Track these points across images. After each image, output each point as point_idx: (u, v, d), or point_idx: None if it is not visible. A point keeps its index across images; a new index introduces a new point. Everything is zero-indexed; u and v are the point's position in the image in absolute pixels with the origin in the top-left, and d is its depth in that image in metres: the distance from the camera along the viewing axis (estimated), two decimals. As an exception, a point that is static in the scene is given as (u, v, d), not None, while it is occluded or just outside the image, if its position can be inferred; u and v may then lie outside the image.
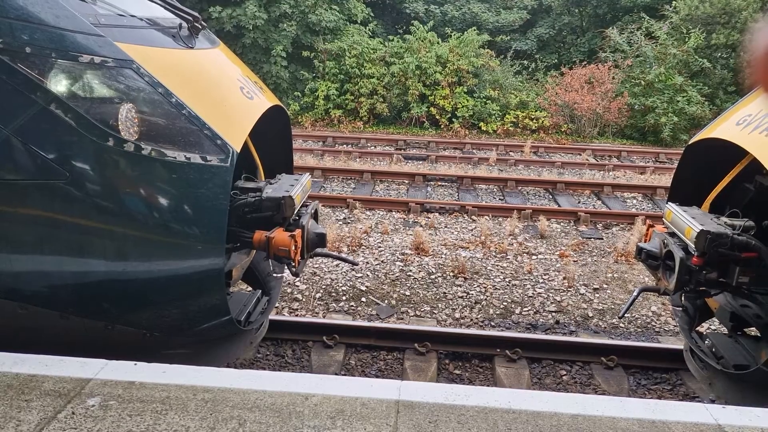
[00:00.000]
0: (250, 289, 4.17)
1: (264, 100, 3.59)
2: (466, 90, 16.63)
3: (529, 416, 2.34)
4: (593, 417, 2.33)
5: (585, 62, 17.83)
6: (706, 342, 3.98)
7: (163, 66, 2.79)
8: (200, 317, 2.95)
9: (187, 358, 2.87)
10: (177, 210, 2.65)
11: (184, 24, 3.28)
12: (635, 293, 3.84)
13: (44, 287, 2.73)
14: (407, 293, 5.90)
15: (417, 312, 5.59)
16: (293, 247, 3.08)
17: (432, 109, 16.44)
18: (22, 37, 2.47)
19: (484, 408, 2.37)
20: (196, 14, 3.44)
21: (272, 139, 3.88)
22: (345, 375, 4.52)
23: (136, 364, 2.64)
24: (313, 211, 3.56)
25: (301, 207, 3.41)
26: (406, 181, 10.55)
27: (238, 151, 2.81)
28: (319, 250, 3.54)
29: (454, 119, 16.29)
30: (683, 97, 15.66)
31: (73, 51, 2.53)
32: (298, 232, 3.16)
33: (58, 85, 2.51)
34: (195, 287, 2.81)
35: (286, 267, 3.41)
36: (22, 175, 2.52)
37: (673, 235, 3.65)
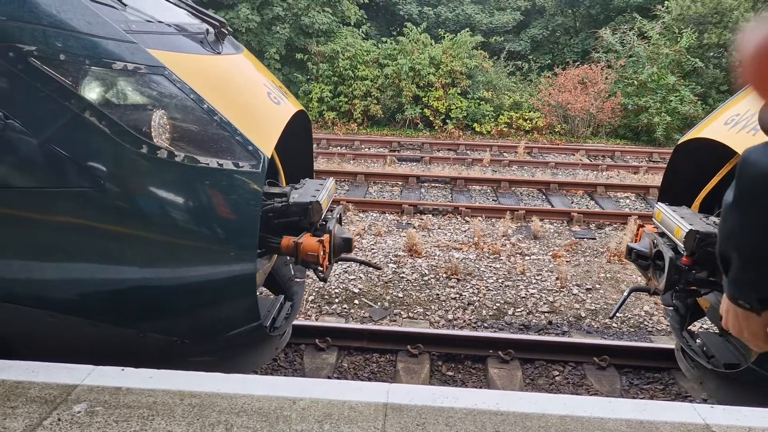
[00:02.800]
0: (270, 294, 4.16)
1: (290, 105, 3.60)
2: (459, 91, 16.66)
3: (518, 418, 2.33)
4: (581, 418, 2.33)
5: (578, 63, 17.88)
6: (697, 341, 3.99)
7: (193, 72, 2.79)
8: (231, 323, 2.94)
9: (214, 366, 2.87)
10: (210, 216, 2.64)
11: (211, 30, 3.28)
12: (626, 293, 3.85)
13: (75, 295, 2.71)
14: (400, 295, 5.89)
15: (410, 314, 5.59)
16: (322, 252, 3.07)
17: (426, 110, 16.46)
18: (56, 44, 2.46)
19: (473, 410, 2.37)
20: (222, 20, 3.44)
21: (292, 143, 3.87)
22: (337, 378, 4.52)
23: (123, 370, 2.63)
24: (338, 215, 3.56)
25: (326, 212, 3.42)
26: (400, 183, 10.55)
27: (269, 157, 2.81)
28: (344, 254, 3.53)
29: (447, 120, 16.31)
30: (676, 96, 15.72)
31: (107, 58, 2.51)
32: (326, 237, 3.15)
33: (92, 92, 2.50)
34: (227, 293, 2.80)
35: (311, 272, 3.39)
36: (55, 183, 2.51)
37: (662, 234, 3.66)
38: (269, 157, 2.81)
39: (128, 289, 2.68)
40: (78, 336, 2.83)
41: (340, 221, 3.63)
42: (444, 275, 6.31)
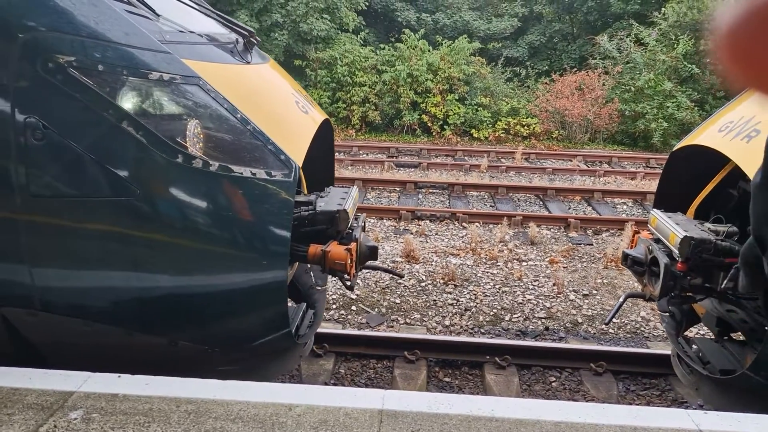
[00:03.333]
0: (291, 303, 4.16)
1: (317, 114, 3.63)
2: (457, 97, 16.72)
3: (512, 424, 2.34)
4: (576, 424, 2.34)
5: (576, 69, 17.95)
6: (693, 347, 4.00)
7: (225, 82, 2.80)
8: (262, 330, 2.95)
9: (241, 375, 2.88)
10: (244, 225, 2.66)
11: (240, 39, 3.30)
12: (621, 299, 3.86)
13: (110, 304, 2.73)
14: (397, 301, 5.90)
15: (407, 320, 5.60)
16: (349, 261, 3.08)
17: (424, 116, 16.51)
18: (94, 54, 2.47)
19: (468, 416, 2.38)
20: (251, 29, 3.46)
21: (314, 150, 3.90)
22: (334, 384, 4.52)
23: (119, 376, 2.64)
24: (362, 223, 3.58)
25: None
26: (398, 189, 10.57)
27: (300, 166, 2.83)
28: (368, 262, 3.54)
29: (445, 126, 16.36)
30: (673, 102, 15.79)
31: (143, 68, 2.53)
32: (353, 245, 3.16)
33: (129, 102, 2.51)
34: (259, 300, 2.82)
35: (337, 280, 3.40)
36: (92, 192, 2.53)
37: (658, 241, 3.67)
38: (300, 166, 2.83)
39: (162, 298, 2.69)
40: (111, 344, 2.84)
41: (363, 229, 3.64)
42: (441, 281, 6.32)
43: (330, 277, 3.81)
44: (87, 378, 2.59)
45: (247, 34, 3.37)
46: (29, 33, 2.42)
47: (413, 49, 17.16)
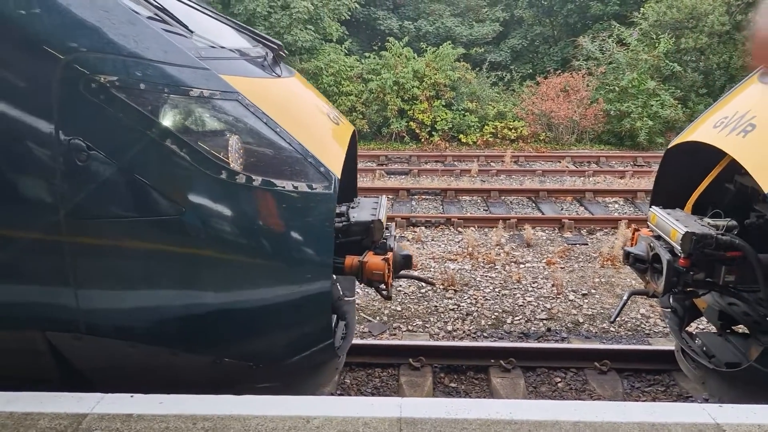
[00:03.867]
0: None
1: (347, 125, 3.63)
2: (444, 103, 16.81)
3: (531, 426, 2.35)
4: (594, 423, 2.35)
5: (559, 71, 18.12)
6: (697, 341, 4.03)
7: (261, 96, 2.79)
8: (306, 344, 2.93)
9: (281, 390, 2.85)
10: (288, 239, 2.65)
11: (269, 53, 3.29)
12: (625, 297, 3.87)
13: (155, 324, 2.69)
14: (398, 308, 5.90)
15: (409, 327, 5.59)
16: (387, 271, 3.06)
17: (411, 123, 16.57)
18: (135, 73, 2.46)
19: (486, 420, 2.38)
20: (279, 43, 3.46)
21: None
22: (341, 395, 4.50)
23: (132, 396, 2.61)
24: (394, 233, 3.57)
25: None
26: (391, 196, 10.58)
27: (339, 177, 2.82)
28: (402, 271, 3.52)
29: (433, 132, 16.43)
30: (657, 101, 15.98)
31: (184, 85, 2.52)
32: (390, 255, 3.15)
33: (172, 120, 2.50)
34: (304, 313, 2.80)
35: (375, 290, 3.38)
36: (138, 212, 2.51)
37: (658, 238, 3.70)
38: (339, 177, 2.82)
39: (206, 315, 2.67)
40: (155, 365, 2.81)
41: (394, 238, 3.63)
42: (441, 287, 6.33)
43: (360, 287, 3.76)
44: (100, 399, 2.56)
45: (276, 47, 3.37)
46: (71, 54, 2.40)
47: (398, 56, 17.25)
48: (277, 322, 2.78)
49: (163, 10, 2.73)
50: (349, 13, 19.99)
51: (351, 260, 3.07)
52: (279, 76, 3.21)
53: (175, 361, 2.75)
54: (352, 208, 3.40)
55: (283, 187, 2.59)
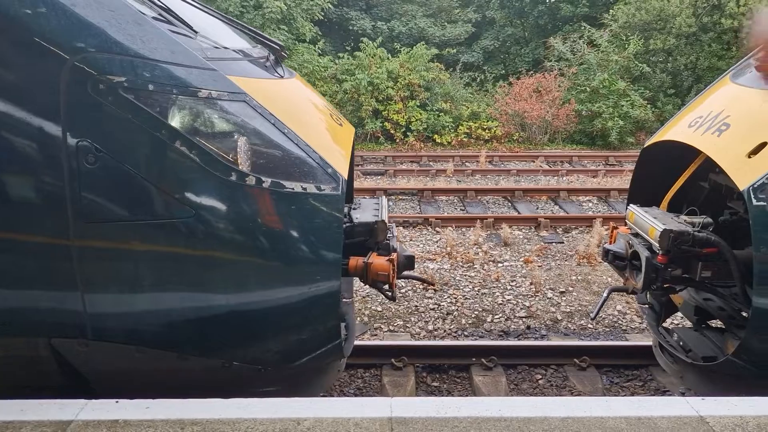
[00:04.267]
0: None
1: (349, 126, 3.62)
2: (418, 104, 16.87)
3: (521, 423, 2.37)
4: (582, 418, 2.38)
5: (531, 72, 18.34)
6: (674, 336, 4.11)
7: (267, 97, 2.76)
8: (315, 344, 2.91)
9: (286, 393, 2.83)
10: (298, 240, 2.63)
11: (271, 54, 3.26)
12: (605, 294, 3.94)
13: (164, 327, 2.65)
14: (379, 309, 5.90)
15: (390, 327, 5.60)
16: (391, 271, 3.05)
17: (386, 123, 16.60)
18: (144, 74, 2.42)
19: (477, 418, 2.40)
20: (280, 43, 3.42)
21: None
22: (325, 396, 4.48)
23: (117, 402, 2.57)
24: (395, 233, 3.55)
25: None
26: (367, 197, 10.54)
27: (346, 178, 2.80)
28: (405, 272, 3.51)
29: (408, 133, 16.48)
30: (627, 101, 16.27)
31: (192, 86, 2.48)
32: (394, 255, 3.13)
33: (181, 121, 2.46)
34: (314, 313, 2.79)
35: (379, 291, 3.36)
36: (148, 215, 2.46)
37: (637, 235, 3.77)
38: (346, 178, 2.81)
39: (217, 318, 2.64)
40: (163, 370, 2.76)
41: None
42: (421, 286, 6.35)
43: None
44: (84, 406, 2.52)
45: (277, 48, 3.34)
46: (78, 54, 2.36)
47: (372, 57, 17.26)
48: (287, 323, 2.76)
49: (168, 10, 2.70)
50: (323, 14, 19.96)
51: (355, 261, 3.06)
52: (282, 77, 3.19)
53: (184, 366, 2.72)
54: (354, 209, 3.39)
55: (293, 188, 2.58)
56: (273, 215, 2.58)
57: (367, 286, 6.15)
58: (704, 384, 3.74)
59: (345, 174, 2.81)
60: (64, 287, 2.52)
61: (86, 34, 2.38)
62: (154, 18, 2.57)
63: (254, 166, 2.53)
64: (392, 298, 3.29)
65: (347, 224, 3.15)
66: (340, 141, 3.16)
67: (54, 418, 2.44)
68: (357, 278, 3.18)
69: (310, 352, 2.88)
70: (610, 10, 18.92)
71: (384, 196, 3.74)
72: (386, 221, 3.20)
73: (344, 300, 3.98)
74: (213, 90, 2.52)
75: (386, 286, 3.12)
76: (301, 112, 3.08)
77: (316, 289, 2.68)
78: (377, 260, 3.05)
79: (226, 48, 2.90)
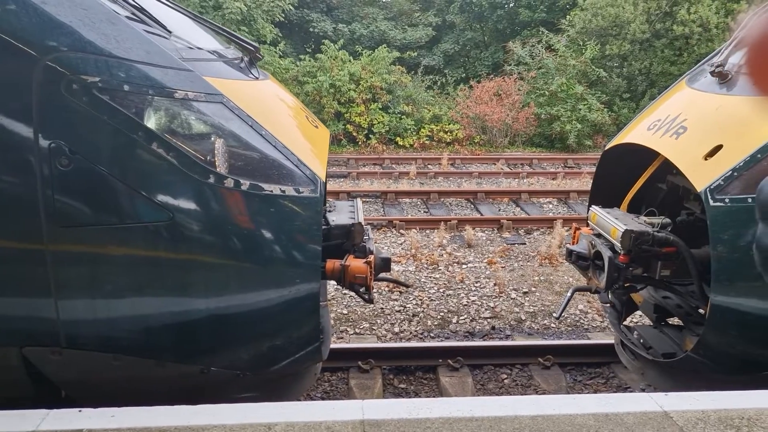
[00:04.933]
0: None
1: (324, 128, 3.60)
2: (380, 106, 16.91)
3: (492, 422, 2.40)
4: (551, 416, 2.42)
5: (491, 75, 18.60)
6: (635, 334, 4.22)
7: (244, 99, 2.72)
8: (294, 347, 2.87)
9: (264, 398, 2.80)
10: (277, 242, 2.60)
11: (245, 55, 3.21)
12: (569, 294, 4.01)
13: (141, 334, 2.57)
14: (344, 311, 5.89)
15: (356, 329, 5.59)
16: (369, 274, 3.03)
17: (348, 126, 16.58)
18: (119, 74, 2.34)
19: (448, 419, 2.41)
20: (256, 45, 3.36)
21: None
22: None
23: (81, 410, 2.49)
24: (372, 235, 3.52)
25: None
26: (330, 200, 10.52)
27: (324, 180, 2.78)
28: (381, 274, 3.49)
29: (371, 135, 16.50)
30: (584, 105, 16.64)
31: (169, 87, 2.42)
32: (371, 257, 3.11)
33: (158, 122, 2.39)
34: (294, 316, 2.76)
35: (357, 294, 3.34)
36: (124, 218, 2.39)
37: (599, 236, 3.85)
38: (324, 181, 2.79)
39: (195, 323, 2.58)
40: (140, 377, 2.69)
41: None
42: (386, 289, 6.36)
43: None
44: (46, 415, 2.43)
45: (252, 49, 3.30)
46: (50, 54, 2.28)
47: (334, 59, 17.22)
48: (265, 327, 2.73)
49: (141, 9, 2.64)
50: (283, 15, 19.84)
51: (332, 264, 3.04)
52: (257, 78, 3.16)
53: (162, 373, 2.66)
54: (329, 211, 3.38)
55: (271, 191, 2.55)
56: (252, 218, 2.55)
57: (333, 291, 6.15)
58: (664, 380, 3.85)
59: (323, 176, 2.80)
60: (36, 294, 2.44)
61: (58, 33, 2.31)
62: (127, 17, 2.51)
63: (232, 168, 2.50)
64: (369, 301, 3.29)
65: (324, 227, 3.15)
66: (316, 143, 3.15)
67: (15, 429, 2.36)
68: (334, 281, 3.17)
69: (289, 356, 2.86)
70: (567, 16, 19.35)
71: (359, 199, 3.74)
72: (362, 223, 3.20)
73: (320, 303, 3.98)
74: (190, 91, 2.48)
75: (363, 289, 3.11)
76: (278, 114, 3.06)
77: (295, 292, 2.66)
78: (354, 263, 3.04)
79: (200, 49, 2.86)
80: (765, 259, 1.43)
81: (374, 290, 6.22)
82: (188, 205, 2.45)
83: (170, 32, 2.70)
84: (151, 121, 2.39)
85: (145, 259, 2.47)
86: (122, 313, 2.54)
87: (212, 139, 2.49)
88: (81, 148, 2.32)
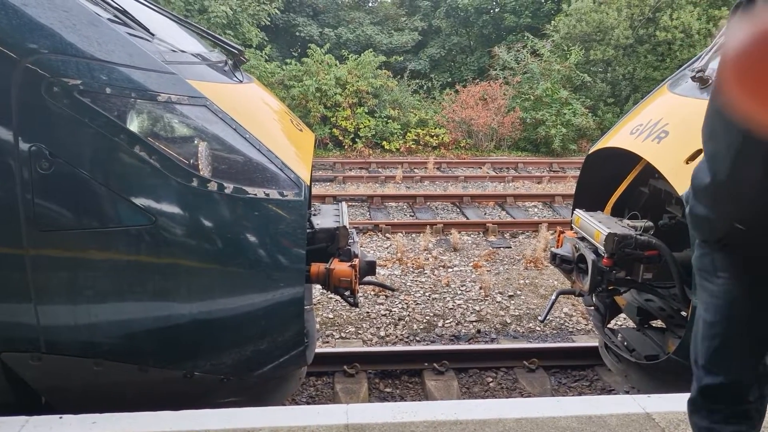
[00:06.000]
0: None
1: (309, 131, 3.59)
2: (366, 110, 16.91)
3: (476, 425, 2.40)
4: (536, 419, 2.43)
5: (477, 80, 18.69)
6: (619, 337, 4.25)
7: (228, 102, 2.70)
8: (279, 351, 2.85)
9: (247, 403, 2.77)
10: (261, 246, 2.59)
11: (229, 59, 3.19)
12: (553, 297, 4.03)
13: (123, 339, 2.54)
14: (330, 316, 5.88)
15: (342, 334, 5.58)
16: (354, 277, 3.02)
17: (335, 130, 16.56)
18: (101, 77, 2.32)
19: (433, 422, 2.41)
20: (240, 48, 3.35)
21: None
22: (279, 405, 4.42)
23: (61, 417, 2.47)
24: (357, 239, 3.51)
25: None
26: (316, 204, 10.51)
27: (308, 184, 2.77)
28: (366, 278, 3.48)
29: (357, 139, 16.49)
30: (569, 109, 16.77)
31: (152, 90, 2.40)
32: (356, 261, 3.11)
33: (141, 126, 2.37)
34: (279, 320, 2.74)
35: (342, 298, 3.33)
36: (105, 223, 2.36)
37: (583, 239, 3.88)
38: (308, 184, 2.78)
39: (178, 327, 2.56)
40: (123, 383, 2.66)
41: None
42: (372, 292, 6.35)
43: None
44: (25, 422, 2.41)
45: (236, 52, 3.29)
46: (31, 56, 2.25)
47: (320, 63, 17.21)
48: (250, 331, 2.72)
49: (124, 12, 2.62)
50: (269, 19, 19.80)
51: (317, 267, 3.03)
52: (241, 82, 3.15)
53: (144, 378, 2.63)
54: (314, 215, 3.37)
55: (255, 194, 2.55)
56: (235, 221, 2.54)
57: (319, 295, 6.13)
58: (647, 382, 3.88)
59: (307, 180, 2.80)
60: (15, 299, 2.41)
61: (39, 34, 2.29)
62: (110, 20, 2.50)
63: (216, 171, 2.49)
64: (354, 304, 3.29)
65: (309, 230, 3.13)
66: (301, 147, 3.15)
67: (-8, 437, 2.33)
68: (318, 284, 3.16)
69: (274, 360, 2.85)
70: (552, 22, 19.49)
71: (344, 202, 3.75)
72: (347, 227, 3.20)
73: (305, 307, 3.97)
74: (173, 94, 2.47)
75: (348, 292, 3.11)
76: (262, 118, 3.05)
77: (280, 296, 2.66)
78: (339, 266, 3.04)
79: (183, 51, 2.85)
80: (693, 223, 1.77)
81: (360, 294, 6.23)
82: (171, 208, 2.43)
83: (153, 35, 2.69)
84: (134, 124, 2.38)
85: (128, 263, 2.45)
86: (104, 317, 2.51)
87: (195, 142, 2.48)
88: (62, 152, 2.30)
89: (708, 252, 1.79)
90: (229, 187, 2.49)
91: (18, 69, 2.25)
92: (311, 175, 4.10)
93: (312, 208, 3.55)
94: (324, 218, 3.32)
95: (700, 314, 1.94)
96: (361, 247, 3.65)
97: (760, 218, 1.60)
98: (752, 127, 0.50)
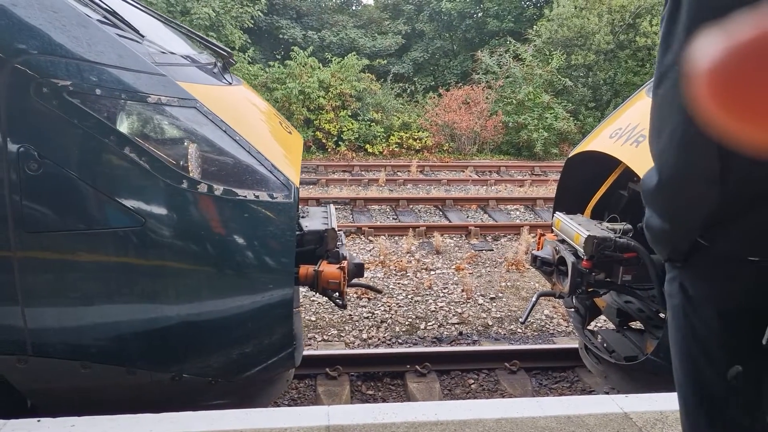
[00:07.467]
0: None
1: (297, 134, 3.60)
2: (350, 113, 16.93)
3: (457, 425, 2.42)
4: (515, 419, 2.46)
5: (460, 84, 18.79)
6: (598, 338, 4.31)
7: (218, 104, 2.70)
8: (267, 353, 2.85)
9: (235, 405, 2.78)
10: (251, 248, 2.58)
11: (219, 61, 3.19)
12: (534, 299, 4.07)
13: (111, 341, 2.52)
14: (313, 318, 5.87)
15: (324, 336, 5.57)
16: (342, 279, 3.03)
17: (318, 133, 16.55)
18: (90, 78, 2.30)
19: (414, 423, 2.43)
20: (229, 50, 3.34)
21: None
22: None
23: (39, 421, 2.44)
24: (345, 241, 3.51)
25: None
26: (305, 206, 10.49)
27: (298, 186, 2.77)
28: (354, 280, 3.48)
29: (340, 142, 16.50)
30: (551, 113, 16.93)
31: (141, 92, 2.39)
32: (345, 263, 3.11)
33: (131, 127, 2.36)
34: (268, 322, 2.74)
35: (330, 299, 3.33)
36: (94, 224, 2.34)
37: (563, 241, 3.92)
38: (298, 186, 2.79)
39: (167, 329, 2.54)
40: (112, 385, 2.64)
41: None
42: (354, 295, 6.35)
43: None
44: (2, 426, 2.37)
45: (226, 54, 3.28)
46: (19, 56, 2.23)
47: (303, 66, 17.20)
48: (238, 333, 2.72)
49: (113, 13, 2.61)
50: (252, 21, 19.74)
51: (306, 270, 3.04)
52: (230, 84, 3.16)
53: (132, 380, 2.62)
54: (302, 217, 3.38)
55: (245, 196, 2.55)
56: (225, 223, 2.55)
57: (300, 297, 6.12)
58: (626, 382, 3.93)
59: (297, 182, 2.81)
60: (2, 301, 2.39)
61: (27, 35, 2.27)
62: (99, 21, 2.49)
63: (206, 173, 2.49)
64: (343, 306, 3.30)
65: (297, 232, 3.14)
66: (290, 149, 3.16)
67: (-32, 441, 2.30)
68: (306, 286, 3.17)
69: (262, 362, 2.85)
70: (534, 26, 19.69)
71: (332, 205, 3.76)
72: (336, 229, 3.21)
73: (294, 309, 3.97)
74: (163, 95, 2.47)
75: (336, 294, 3.13)
76: (252, 120, 3.06)
77: (269, 298, 2.66)
78: (328, 268, 3.05)
79: (173, 53, 2.85)
80: (651, 238, 1.40)
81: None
82: (160, 210, 2.43)
83: (143, 36, 2.69)
84: (124, 126, 2.37)
85: (116, 265, 2.44)
86: (92, 320, 2.50)
87: (185, 143, 2.48)
88: (50, 153, 2.29)
89: (676, 276, 1.34)
90: (219, 189, 2.50)
91: (6, 69, 2.23)
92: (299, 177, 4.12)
93: (300, 211, 3.56)
94: (312, 220, 3.33)
95: (676, 367, 1.39)
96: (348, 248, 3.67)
97: (727, 229, 1.20)
98: (728, 142, 0.48)
